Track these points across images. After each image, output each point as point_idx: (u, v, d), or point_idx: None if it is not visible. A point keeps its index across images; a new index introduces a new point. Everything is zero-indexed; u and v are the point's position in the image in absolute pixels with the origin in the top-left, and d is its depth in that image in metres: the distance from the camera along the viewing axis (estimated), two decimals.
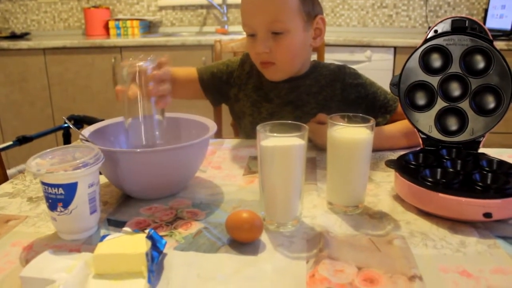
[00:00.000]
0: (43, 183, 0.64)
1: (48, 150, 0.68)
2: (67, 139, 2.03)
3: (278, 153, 0.66)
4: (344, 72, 1.16)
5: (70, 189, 0.63)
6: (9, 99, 2.86)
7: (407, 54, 0.91)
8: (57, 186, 0.63)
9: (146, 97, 0.83)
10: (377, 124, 1.15)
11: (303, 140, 0.66)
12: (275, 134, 0.68)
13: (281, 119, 1.13)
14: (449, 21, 0.88)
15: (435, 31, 0.89)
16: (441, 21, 0.89)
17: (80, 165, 0.64)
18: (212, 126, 0.84)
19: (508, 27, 2.51)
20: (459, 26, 0.87)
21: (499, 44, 2.33)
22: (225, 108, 1.39)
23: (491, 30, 0.86)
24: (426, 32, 0.90)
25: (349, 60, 2.56)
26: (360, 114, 0.75)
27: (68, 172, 0.63)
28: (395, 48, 2.52)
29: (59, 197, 0.64)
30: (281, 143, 0.66)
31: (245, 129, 1.22)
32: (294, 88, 1.14)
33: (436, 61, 0.90)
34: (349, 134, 0.73)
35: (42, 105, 2.85)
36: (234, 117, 1.30)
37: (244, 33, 1.09)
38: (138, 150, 0.74)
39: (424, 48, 0.89)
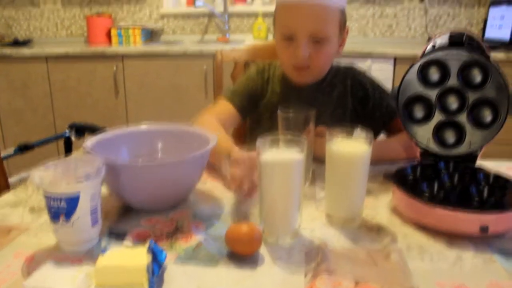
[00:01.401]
0: (46, 195, 0.65)
1: (51, 162, 0.69)
2: (68, 147, 2.04)
3: (277, 167, 0.67)
4: (354, 70, 1.23)
5: (73, 200, 0.64)
6: (11, 106, 2.87)
7: (407, 64, 0.92)
8: (60, 198, 0.64)
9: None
10: (383, 128, 1.18)
11: (302, 154, 0.67)
12: (274, 148, 0.69)
13: None
14: (447, 35, 0.89)
15: (433, 45, 0.90)
16: (439, 36, 0.90)
17: (83, 177, 0.65)
18: (213, 139, 0.84)
19: (507, 38, 2.52)
20: (456, 41, 0.89)
21: (498, 55, 2.34)
22: None
23: (490, 40, 0.88)
24: (426, 44, 0.91)
25: None
26: (359, 126, 0.76)
27: (71, 185, 0.64)
28: (395, 58, 2.54)
29: (62, 209, 0.64)
30: (281, 157, 0.67)
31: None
32: (313, 90, 1.19)
33: (434, 74, 0.91)
34: (348, 148, 0.74)
35: (44, 112, 2.87)
36: (252, 126, 1.30)
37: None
38: (140, 163, 0.75)
39: (422, 62, 0.91)
